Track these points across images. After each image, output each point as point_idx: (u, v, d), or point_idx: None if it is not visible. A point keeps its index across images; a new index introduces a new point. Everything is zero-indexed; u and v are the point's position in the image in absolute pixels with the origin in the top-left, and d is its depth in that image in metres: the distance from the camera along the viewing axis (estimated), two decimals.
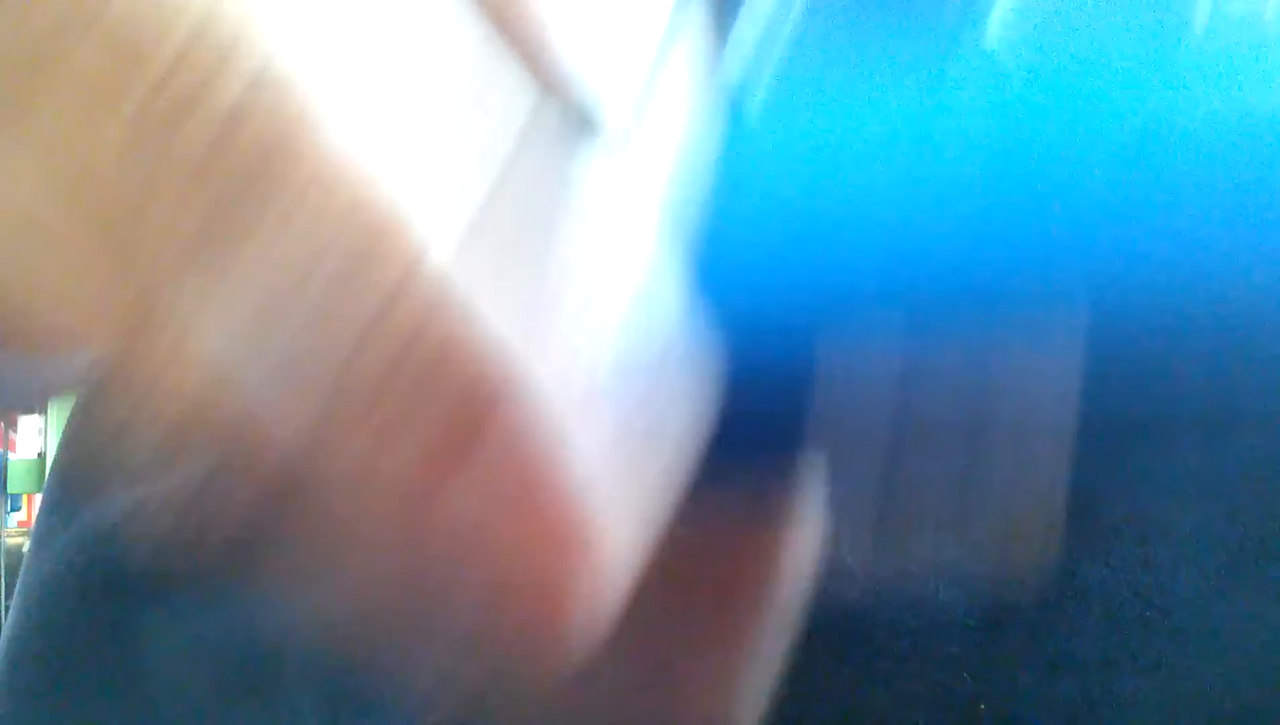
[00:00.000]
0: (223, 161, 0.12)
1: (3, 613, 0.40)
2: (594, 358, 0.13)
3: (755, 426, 0.19)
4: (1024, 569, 0.30)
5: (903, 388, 0.29)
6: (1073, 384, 0.33)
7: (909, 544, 0.31)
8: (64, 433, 0.40)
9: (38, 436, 2.84)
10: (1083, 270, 0.22)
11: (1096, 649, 0.29)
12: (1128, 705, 0.30)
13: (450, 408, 0.12)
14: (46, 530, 0.39)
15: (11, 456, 2.24)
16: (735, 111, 0.18)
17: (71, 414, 0.40)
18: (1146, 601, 0.30)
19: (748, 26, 0.18)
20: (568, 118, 0.14)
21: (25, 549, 0.41)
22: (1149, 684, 0.29)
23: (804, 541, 0.19)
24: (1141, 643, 0.29)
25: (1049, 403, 0.32)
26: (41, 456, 2.29)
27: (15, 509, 2.85)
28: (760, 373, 0.19)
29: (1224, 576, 0.30)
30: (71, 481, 0.39)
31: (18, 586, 0.39)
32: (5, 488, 2.13)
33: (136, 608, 0.35)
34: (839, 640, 0.29)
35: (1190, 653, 0.30)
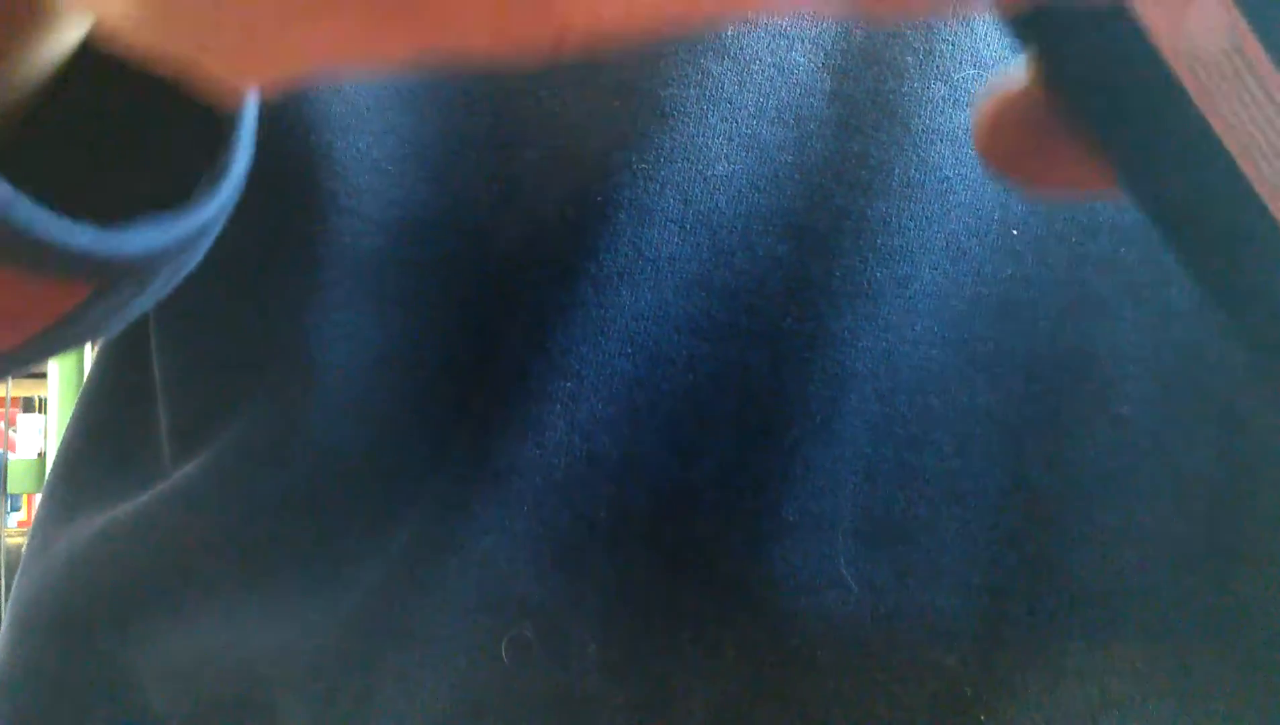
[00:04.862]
0: None
1: (3, 612, 0.40)
2: None
3: None
4: (1023, 575, 0.30)
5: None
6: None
7: (905, 553, 0.31)
8: (62, 444, 0.40)
9: (38, 436, 2.84)
10: None
11: (1099, 656, 0.29)
12: (1132, 713, 0.29)
13: None
14: (43, 540, 0.38)
15: (11, 456, 2.23)
16: None
17: (71, 420, 0.40)
18: (1148, 607, 0.29)
19: None
20: None
21: (25, 550, 0.41)
22: (1153, 691, 0.29)
23: None
24: (1144, 649, 0.29)
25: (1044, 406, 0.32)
26: (41, 456, 2.29)
27: (15, 509, 2.85)
28: None
29: (1226, 580, 0.30)
30: (67, 493, 0.39)
31: (13, 593, 0.39)
32: (5, 488, 2.13)
33: (131, 618, 0.34)
34: (838, 653, 0.29)
35: (1195, 658, 0.29)
